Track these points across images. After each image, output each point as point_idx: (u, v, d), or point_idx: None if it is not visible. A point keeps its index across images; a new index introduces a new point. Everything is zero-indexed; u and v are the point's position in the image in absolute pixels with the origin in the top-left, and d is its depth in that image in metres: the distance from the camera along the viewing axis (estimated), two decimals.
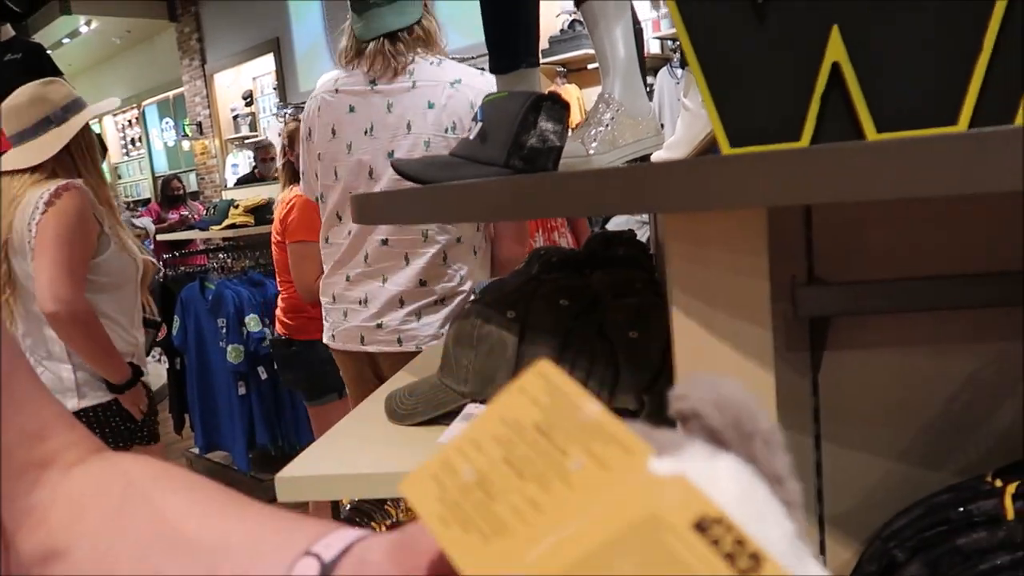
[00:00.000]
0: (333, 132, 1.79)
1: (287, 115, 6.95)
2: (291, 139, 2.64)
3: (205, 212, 5.22)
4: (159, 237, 5.06)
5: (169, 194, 6.76)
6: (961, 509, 0.63)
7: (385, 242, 1.78)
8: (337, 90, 1.79)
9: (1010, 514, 0.60)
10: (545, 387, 0.26)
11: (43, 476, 0.43)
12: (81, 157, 1.94)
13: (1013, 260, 0.72)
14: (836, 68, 0.65)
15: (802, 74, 0.65)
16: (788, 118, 0.66)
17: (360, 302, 1.82)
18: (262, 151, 6.29)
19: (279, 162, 3.01)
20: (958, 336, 0.76)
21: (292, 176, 2.60)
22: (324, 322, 1.97)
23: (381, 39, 1.72)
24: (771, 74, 0.67)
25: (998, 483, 0.65)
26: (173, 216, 6.37)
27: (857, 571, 0.70)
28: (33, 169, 1.87)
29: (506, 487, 0.24)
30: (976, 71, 0.62)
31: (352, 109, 1.76)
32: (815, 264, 0.77)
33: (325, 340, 1.97)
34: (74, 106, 1.94)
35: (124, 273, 1.95)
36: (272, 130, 7.24)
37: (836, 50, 0.65)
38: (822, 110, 0.65)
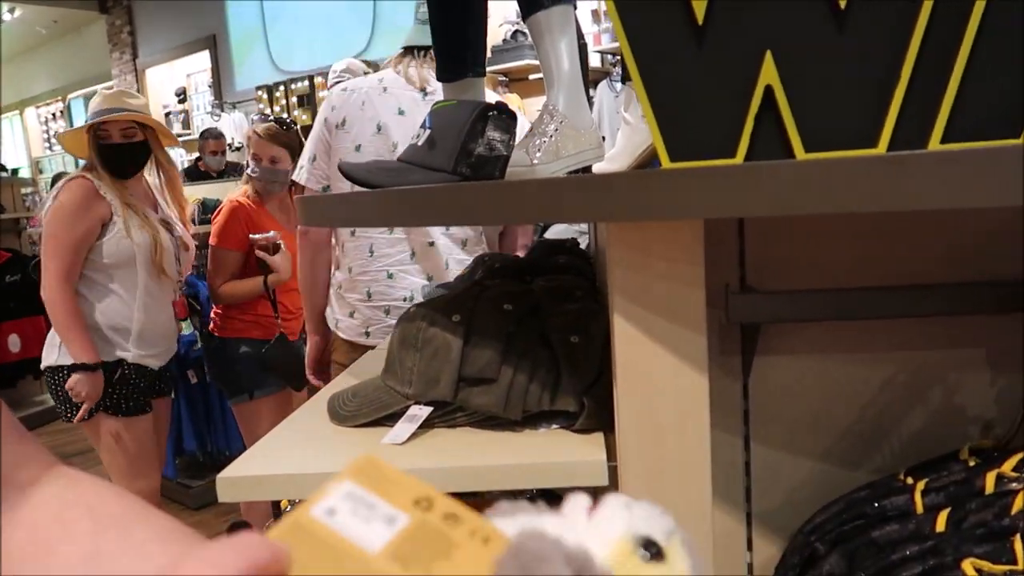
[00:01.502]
0: (379, 128, 1.83)
1: (219, 115, 6.81)
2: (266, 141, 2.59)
3: None
4: None
5: None
6: (876, 504, 0.68)
7: (432, 244, 1.86)
8: (386, 89, 1.85)
9: (919, 508, 0.65)
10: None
11: None
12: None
13: (927, 273, 0.78)
14: (769, 91, 0.69)
15: (738, 95, 0.69)
16: (724, 136, 0.70)
17: (405, 300, 1.86)
18: (214, 143, 5.41)
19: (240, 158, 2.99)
20: (876, 345, 0.82)
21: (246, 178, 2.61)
22: (346, 317, 1.94)
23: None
24: (709, 94, 0.70)
25: (909, 480, 0.70)
26: None
27: (781, 564, 0.74)
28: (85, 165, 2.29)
29: None
30: (894, 100, 0.67)
31: (401, 112, 1.83)
32: (747, 273, 0.81)
33: (350, 336, 1.94)
34: (101, 113, 2.23)
35: (124, 255, 2.22)
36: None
37: (769, 74, 0.69)
38: (756, 129, 0.69)
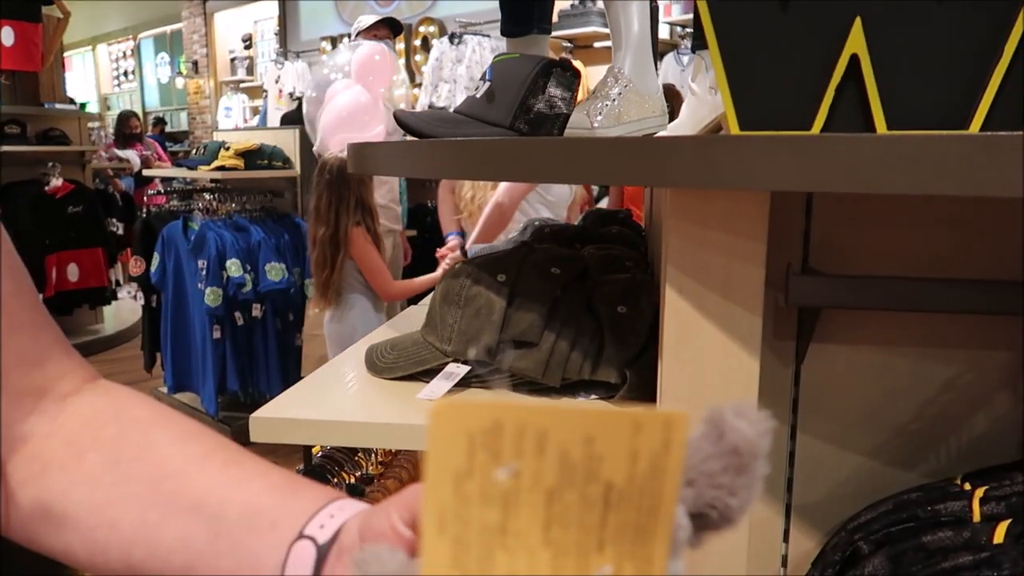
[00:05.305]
0: None
1: (283, 63, 6.83)
2: None
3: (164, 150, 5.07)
4: (145, 172, 4.98)
5: (126, 132, 6.45)
6: (929, 508, 0.64)
7: None
8: None
9: (977, 516, 0.61)
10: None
11: (39, 404, 0.42)
12: None
13: (1009, 269, 0.73)
14: (854, 60, 0.64)
15: (820, 63, 0.65)
16: (801, 106, 0.66)
17: None
18: None
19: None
20: (943, 340, 0.77)
21: None
22: None
23: None
24: (789, 60, 0.66)
25: (967, 486, 0.66)
26: (130, 153, 6.15)
27: (820, 559, 0.71)
28: None
29: (527, 526, 0.22)
30: (993, 77, 0.62)
31: None
32: (811, 255, 0.77)
33: None
34: None
35: None
36: (269, 76, 7.11)
37: (856, 42, 0.64)
38: (835, 101, 0.65)
